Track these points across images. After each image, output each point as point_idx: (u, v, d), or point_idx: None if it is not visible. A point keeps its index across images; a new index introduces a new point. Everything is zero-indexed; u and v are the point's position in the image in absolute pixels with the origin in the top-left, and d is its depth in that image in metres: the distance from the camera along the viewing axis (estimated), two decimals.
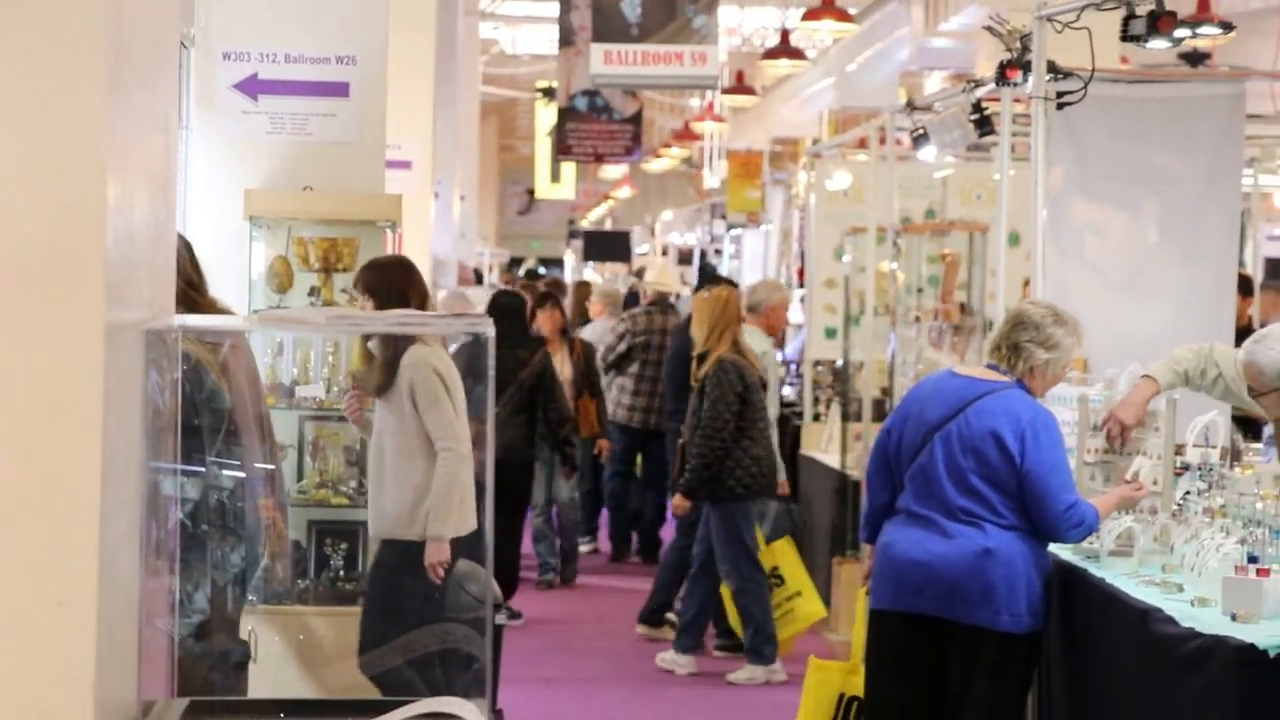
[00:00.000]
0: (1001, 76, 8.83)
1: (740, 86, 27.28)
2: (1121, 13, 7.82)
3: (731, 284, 13.25)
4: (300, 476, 8.27)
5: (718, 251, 30.88)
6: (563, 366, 13.38)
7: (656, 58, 16.85)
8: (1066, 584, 6.60)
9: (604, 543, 15.64)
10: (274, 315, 7.96)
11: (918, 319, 12.56)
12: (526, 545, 13.20)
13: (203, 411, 5.98)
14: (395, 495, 7.32)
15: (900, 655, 6.72)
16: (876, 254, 13.05)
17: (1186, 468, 7.07)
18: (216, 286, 6.88)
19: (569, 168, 39.24)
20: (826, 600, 11.57)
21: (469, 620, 6.72)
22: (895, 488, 6.82)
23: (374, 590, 7.51)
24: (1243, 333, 8.65)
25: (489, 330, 5.67)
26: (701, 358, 10.74)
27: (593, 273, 36.23)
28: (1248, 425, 8.77)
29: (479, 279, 25.99)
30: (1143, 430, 7.04)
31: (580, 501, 15.84)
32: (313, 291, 8.53)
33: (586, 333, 15.74)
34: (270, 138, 8.83)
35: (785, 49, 22.26)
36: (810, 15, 19.72)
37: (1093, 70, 8.24)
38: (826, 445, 13.52)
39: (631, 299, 20.35)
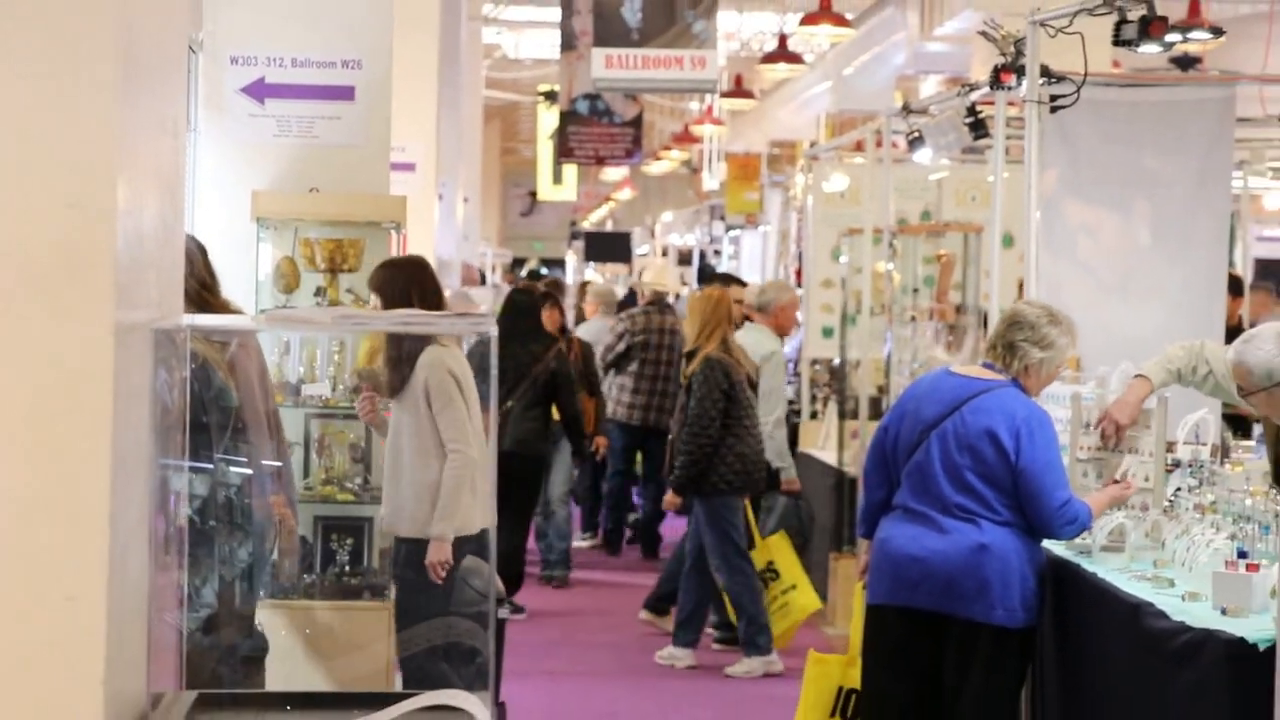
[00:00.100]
0: (996, 80, 8.83)
1: (739, 90, 27.28)
2: (1114, 18, 7.81)
3: (741, 283, 13.29)
4: (306, 473, 8.26)
5: (716, 252, 30.86)
6: None
7: (656, 62, 16.87)
8: (1059, 579, 6.60)
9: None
10: (281, 315, 7.96)
11: (913, 319, 12.56)
12: (529, 542, 13.21)
13: (210, 409, 5.98)
14: (413, 495, 7.32)
15: (897, 649, 6.72)
16: (873, 255, 13.05)
17: (1177, 465, 7.07)
18: (225, 287, 6.89)
19: (570, 170, 39.24)
20: (824, 595, 11.57)
21: (472, 614, 6.73)
22: (892, 484, 6.83)
23: (404, 589, 7.48)
24: (1233, 332, 8.65)
25: (492, 329, 5.67)
26: (691, 355, 10.77)
27: (594, 273, 36.23)
28: (1238, 423, 8.77)
29: (482, 279, 25.98)
30: (1136, 429, 7.04)
31: (582, 495, 15.89)
32: (319, 292, 8.53)
33: (581, 332, 15.73)
34: (277, 140, 8.83)
35: (783, 53, 22.26)
36: (808, 20, 19.71)
37: (1085, 74, 8.24)
38: (824, 443, 13.52)
39: (630, 299, 20.35)
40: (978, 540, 6.51)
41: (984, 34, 8.96)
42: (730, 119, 32.07)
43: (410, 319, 6.97)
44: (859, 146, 14.31)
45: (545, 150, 37.68)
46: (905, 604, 6.65)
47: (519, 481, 11.91)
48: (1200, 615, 5.54)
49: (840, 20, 19.56)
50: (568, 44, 20.85)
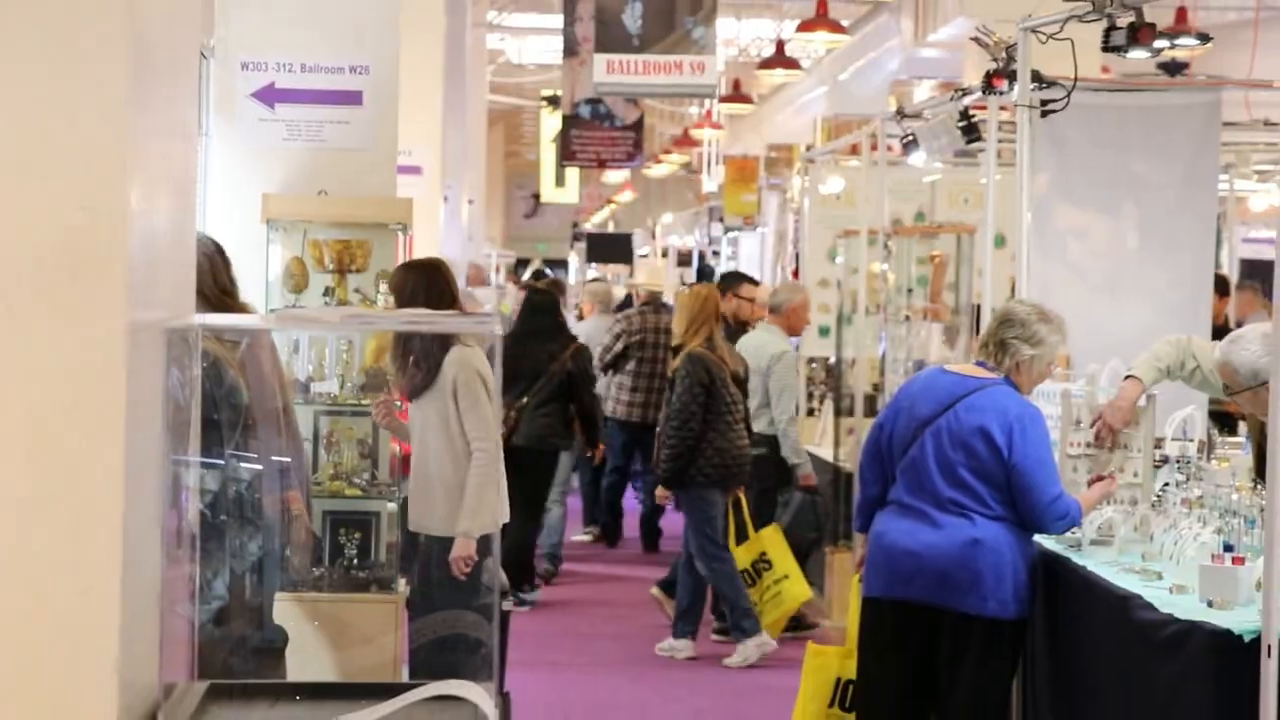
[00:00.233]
0: (988, 85, 8.83)
1: (737, 95, 27.27)
2: (1103, 24, 7.81)
3: (754, 282, 13.29)
4: (315, 469, 8.26)
5: (715, 253, 30.82)
6: None
7: (657, 67, 16.84)
8: (1050, 572, 6.60)
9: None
10: (290, 314, 7.98)
11: (908, 318, 12.56)
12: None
13: (222, 406, 5.98)
14: (441, 493, 7.30)
15: (892, 641, 6.72)
16: (868, 255, 13.04)
17: (1165, 460, 7.08)
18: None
19: (573, 173, 39.18)
20: (821, 588, 11.57)
21: (477, 607, 6.73)
22: (887, 480, 6.82)
23: (433, 586, 7.45)
24: (1219, 331, 8.66)
25: (497, 328, 5.67)
26: (678, 351, 10.82)
27: (595, 274, 36.22)
28: (1224, 421, 8.77)
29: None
30: (1129, 427, 7.04)
31: (584, 491, 15.91)
32: (327, 291, 8.54)
33: (578, 331, 15.73)
34: (287, 144, 8.84)
35: (780, 59, 22.25)
36: (804, 27, 19.72)
37: (1075, 79, 8.23)
38: (820, 439, 13.52)
39: (626, 301, 20.33)
40: (971, 535, 6.51)
41: (976, 40, 8.97)
42: (729, 123, 32.08)
43: (415, 318, 6.97)
44: (854, 150, 14.30)
45: (548, 153, 37.65)
46: (900, 597, 6.65)
47: (529, 476, 11.93)
48: (1187, 607, 5.54)
49: (836, 27, 19.57)
50: (570, 50, 20.81)
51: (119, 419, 3.96)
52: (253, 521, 6.23)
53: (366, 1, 8.94)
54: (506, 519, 7.54)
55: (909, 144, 11.38)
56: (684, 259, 33.01)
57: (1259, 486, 6.13)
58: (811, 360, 14.92)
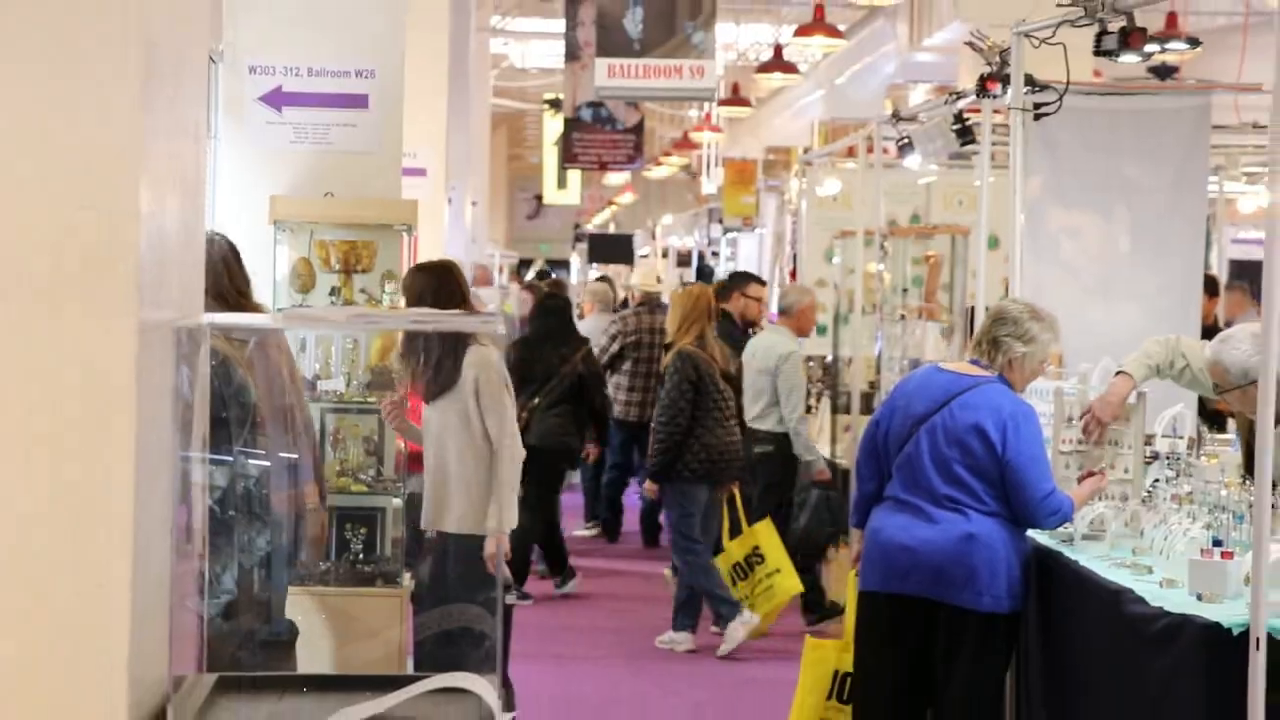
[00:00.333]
0: (982, 89, 8.83)
1: (736, 98, 27.27)
2: (1095, 29, 7.81)
3: (761, 282, 13.32)
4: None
5: (715, 254, 30.84)
6: None
7: (657, 71, 16.85)
8: (1043, 567, 6.60)
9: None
10: (297, 314, 7.97)
11: (903, 317, 12.57)
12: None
13: (230, 404, 5.98)
14: (462, 493, 7.27)
15: (888, 634, 6.72)
16: (864, 256, 13.05)
17: (1156, 457, 7.08)
18: None
19: (575, 175, 39.19)
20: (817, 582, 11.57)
21: (481, 601, 6.73)
22: (883, 476, 6.82)
23: (450, 584, 7.43)
24: (1208, 330, 8.66)
25: (500, 328, 5.67)
26: (669, 348, 10.88)
27: (601, 273, 36.23)
28: (1214, 418, 8.77)
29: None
30: (1119, 423, 7.04)
31: (585, 487, 15.92)
32: (333, 291, 8.54)
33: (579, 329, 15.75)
34: (294, 147, 8.84)
35: (778, 63, 22.27)
36: (801, 31, 19.73)
37: (1067, 83, 8.24)
38: (817, 436, 13.51)
39: (625, 303, 20.34)
40: (966, 530, 6.51)
41: (970, 44, 8.97)
42: (728, 126, 32.08)
43: (420, 318, 6.96)
44: (851, 152, 14.30)
45: (550, 156, 37.66)
46: (896, 591, 6.64)
47: (541, 475, 11.98)
48: (1177, 601, 5.54)
49: (833, 31, 19.57)
50: (572, 54, 20.82)
51: (130, 417, 3.96)
52: (261, 517, 6.23)
53: (372, 7, 8.94)
54: (514, 524, 7.54)
55: (904, 147, 11.38)
56: (684, 259, 33.03)
57: (1247, 482, 6.13)
58: (809, 359, 14.91)
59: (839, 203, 15.72)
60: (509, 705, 4.43)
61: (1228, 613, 5.31)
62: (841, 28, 20.83)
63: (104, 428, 3.94)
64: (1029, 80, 8.42)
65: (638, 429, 14.55)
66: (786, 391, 11.41)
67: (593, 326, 15.86)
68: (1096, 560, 6.31)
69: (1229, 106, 12.12)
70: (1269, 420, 5.16)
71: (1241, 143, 12.35)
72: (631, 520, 15.55)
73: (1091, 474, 6.92)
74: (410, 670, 7.25)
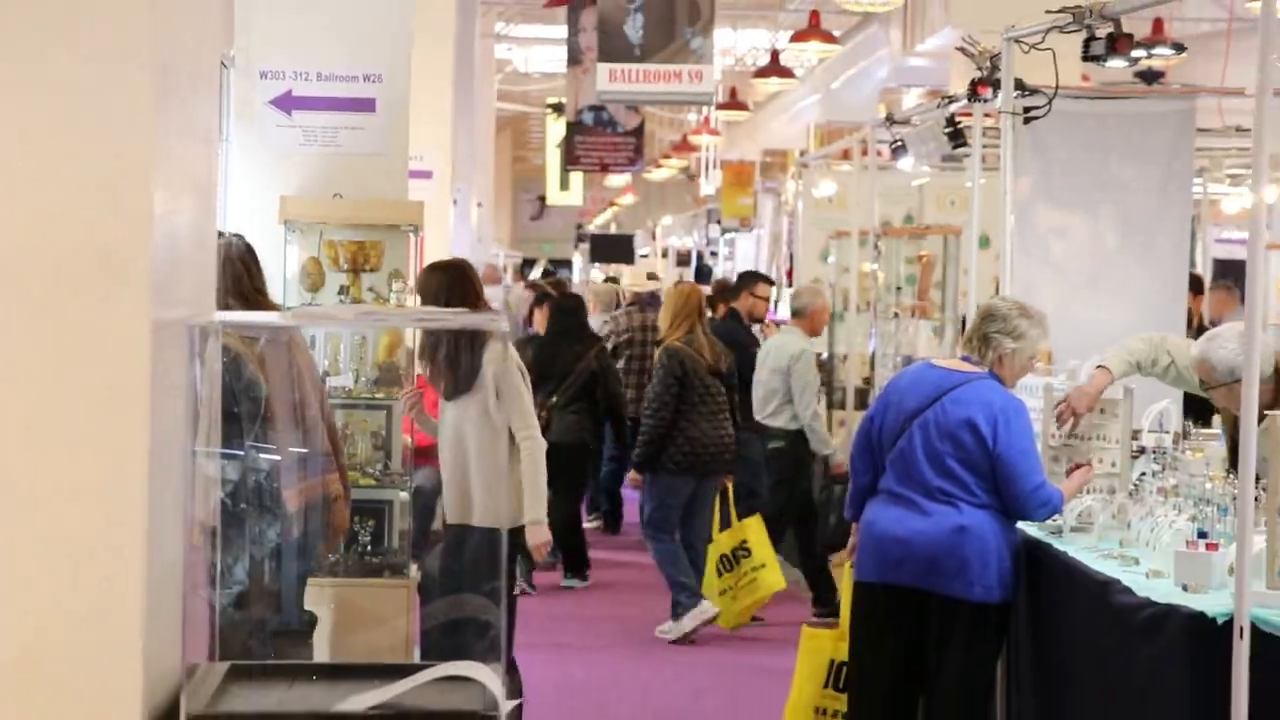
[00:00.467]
0: (973, 93, 8.82)
1: (734, 102, 27.28)
2: (1083, 35, 7.81)
3: (769, 281, 13.33)
4: None
5: (713, 254, 30.85)
6: None
7: (657, 76, 16.85)
8: (1033, 558, 6.59)
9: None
10: (307, 312, 7.97)
11: (896, 315, 12.57)
12: None
13: (241, 400, 5.98)
14: (482, 485, 7.25)
15: (883, 624, 6.71)
16: (859, 255, 13.06)
17: (1142, 451, 7.08)
18: None
19: (577, 177, 39.15)
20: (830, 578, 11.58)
21: (486, 592, 6.71)
22: (877, 470, 6.81)
23: (465, 577, 7.41)
24: (1195, 328, 8.67)
25: (504, 325, 5.67)
26: (660, 344, 10.96)
27: (598, 273, 36.24)
28: (1199, 412, 8.75)
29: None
30: (1104, 417, 7.04)
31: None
32: (342, 290, 8.54)
33: None
34: (303, 149, 8.84)
35: (775, 68, 22.27)
36: (798, 37, 19.74)
37: (1057, 87, 8.23)
38: None
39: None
40: (957, 522, 6.51)
41: (962, 50, 8.97)
42: (726, 129, 32.07)
43: (426, 316, 6.95)
44: (846, 155, 14.31)
45: (553, 158, 37.62)
46: (890, 581, 6.64)
47: (565, 469, 12.07)
48: (1163, 591, 5.54)
49: (828, 37, 19.58)
50: (574, 59, 20.81)
51: (144, 412, 3.96)
52: (271, 510, 6.22)
53: (380, 13, 8.94)
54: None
55: (898, 149, 11.38)
56: (683, 259, 33.04)
57: (1231, 476, 6.13)
58: None
59: (834, 204, 15.72)
60: (515, 693, 4.42)
61: (1212, 602, 5.31)
62: (836, 34, 20.83)
63: (118, 422, 3.95)
64: (1019, 85, 8.42)
65: (634, 423, 14.58)
66: (800, 389, 11.41)
67: (594, 325, 15.87)
68: (1085, 551, 6.30)
69: (1213, 110, 12.11)
70: (1252, 415, 5.17)
71: (1225, 145, 12.35)
72: (631, 512, 15.54)
73: (1079, 466, 6.92)
74: (417, 659, 7.24)
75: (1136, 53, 7.91)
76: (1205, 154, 12.31)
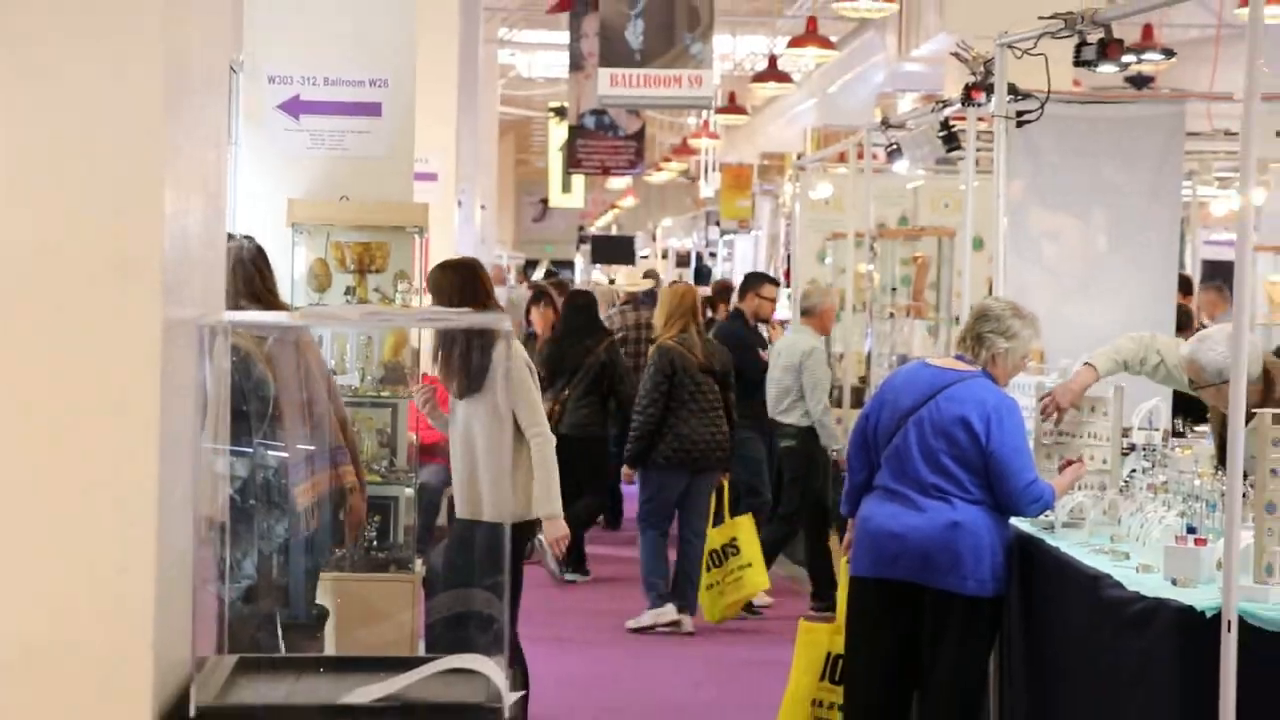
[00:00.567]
0: (967, 97, 8.83)
1: (732, 106, 27.27)
2: (1074, 40, 7.81)
3: (774, 282, 13.34)
4: None
5: (712, 255, 30.84)
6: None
7: (657, 80, 16.86)
8: (1025, 553, 6.59)
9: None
10: (314, 311, 7.98)
11: (892, 315, 12.57)
12: None
13: (250, 398, 5.97)
14: (491, 483, 7.24)
15: (878, 617, 6.71)
16: (855, 256, 13.06)
17: (1133, 448, 7.08)
18: None
19: (579, 180, 39.12)
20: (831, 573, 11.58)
21: (492, 586, 6.71)
22: (873, 467, 6.81)
23: (472, 571, 7.39)
24: (1183, 327, 8.67)
25: (507, 324, 5.67)
26: (653, 341, 11.02)
27: (600, 274, 36.25)
28: (1190, 409, 8.75)
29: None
30: (1093, 415, 7.04)
31: None
32: (349, 290, 8.55)
33: None
34: (311, 152, 8.85)
35: (773, 73, 22.26)
36: (795, 43, 19.72)
37: (1049, 92, 8.23)
38: None
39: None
40: (951, 518, 6.50)
41: (956, 55, 8.97)
42: (724, 133, 32.08)
43: (430, 315, 6.95)
44: (842, 158, 14.29)
45: (555, 161, 37.60)
46: (885, 576, 6.64)
47: (581, 460, 12.21)
48: (1153, 585, 5.54)
49: (825, 43, 19.57)
50: (576, 64, 20.82)
51: (155, 410, 3.97)
52: (280, 505, 6.22)
53: (385, 20, 8.95)
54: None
55: (893, 152, 11.38)
56: (683, 260, 33.04)
57: (1219, 473, 6.13)
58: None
59: (831, 206, 15.71)
60: (520, 685, 4.42)
61: (1201, 597, 5.31)
62: (833, 39, 20.82)
63: (131, 420, 3.95)
64: (1012, 89, 8.42)
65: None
66: (810, 386, 11.41)
67: None
68: (1076, 547, 6.30)
69: (1202, 114, 12.11)
70: (1240, 414, 5.17)
71: (1214, 149, 12.35)
72: (632, 508, 15.53)
73: (1070, 463, 6.92)
74: (422, 652, 7.24)
75: (1127, 58, 7.92)
76: (1194, 157, 12.30)
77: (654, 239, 40.18)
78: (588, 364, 12.56)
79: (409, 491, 8.38)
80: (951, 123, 9.77)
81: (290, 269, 8.40)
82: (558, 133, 33.78)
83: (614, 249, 38.98)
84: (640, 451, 10.83)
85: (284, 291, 8.12)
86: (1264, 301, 12.23)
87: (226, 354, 4.73)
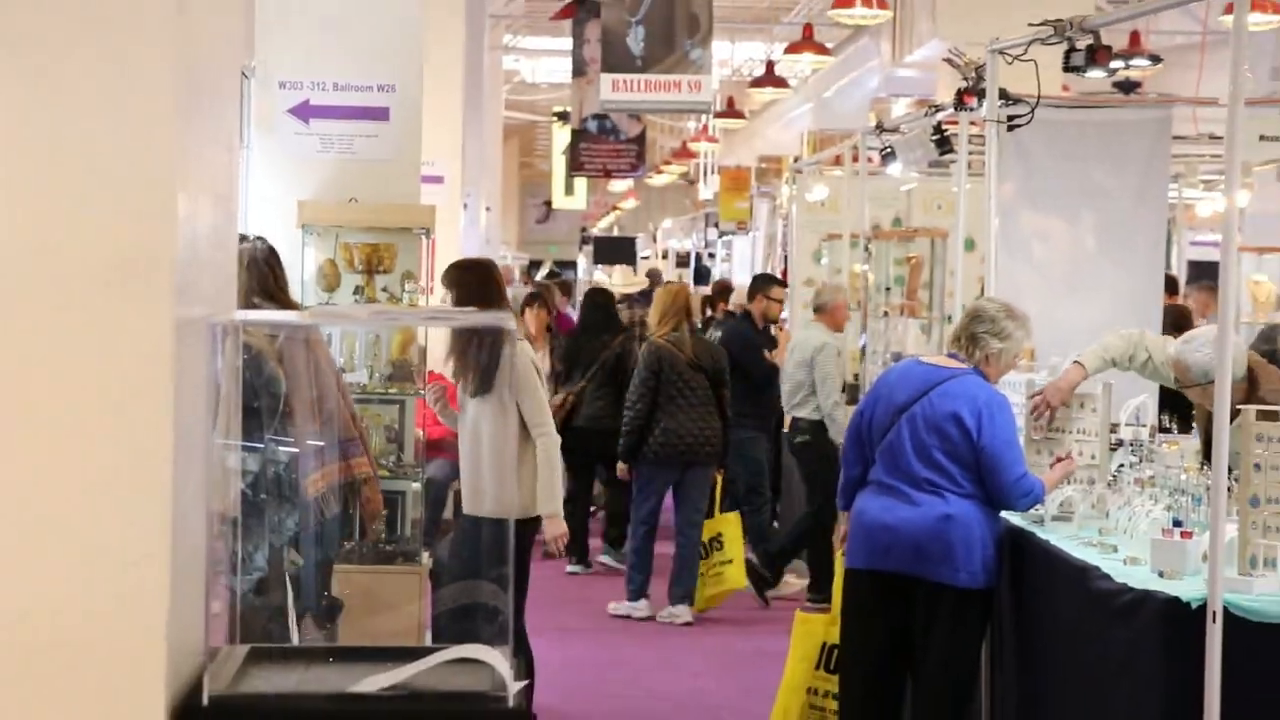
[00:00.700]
0: (959, 102, 8.82)
1: (731, 111, 27.29)
2: (1064, 47, 7.81)
3: (781, 283, 13.35)
4: None
5: (711, 255, 30.84)
6: (544, 362, 13.45)
7: (658, 86, 16.86)
8: (1016, 546, 6.59)
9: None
10: (323, 311, 7.98)
11: (886, 314, 12.57)
12: None
13: (261, 395, 5.97)
14: (496, 480, 7.23)
15: (872, 608, 6.70)
16: (850, 257, 13.06)
17: (1120, 444, 7.08)
18: None
19: (581, 182, 39.11)
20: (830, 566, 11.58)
21: (496, 578, 6.71)
22: (867, 462, 6.81)
23: (477, 565, 7.37)
24: (1170, 326, 8.66)
25: (511, 323, 5.66)
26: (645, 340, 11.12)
27: (601, 274, 36.25)
28: (1176, 405, 8.75)
29: None
30: (1082, 411, 7.04)
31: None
32: (357, 290, 8.56)
33: None
34: (320, 156, 8.85)
35: (770, 78, 22.28)
36: (792, 49, 19.74)
37: (1039, 97, 8.23)
38: None
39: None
40: (943, 511, 6.50)
41: (949, 61, 8.97)
42: (723, 136, 32.09)
43: (436, 314, 6.95)
44: (838, 161, 14.29)
45: (559, 164, 37.59)
46: (879, 568, 6.63)
47: (591, 451, 12.30)
48: (1140, 577, 5.54)
49: (821, 49, 19.59)
50: (578, 70, 20.79)
51: (168, 406, 3.97)
52: (290, 499, 6.22)
53: (393, 26, 8.95)
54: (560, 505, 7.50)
55: (887, 155, 11.38)
56: (682, 260, 33.04)
57: (1205, 468, 6.13)
58: None
59: (827, 207, 15.72)
60: (524, 674, 4.42)
61: (1187, 588, 5.31)
62: (829, 45, 20.83)
63: (144, 416, 3.95)
64: (1003, 94, 8.42)
65: None
66: (821, 380, 11.42)
67: None
68: (1065, 540, 6.30)
69: (1188, 119, 12.10)
70: (1225, 411, 5.17)
71: (1199, 152, 12.35)
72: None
73: (1061, 459, 6.92)
74: (429, 642, 7.24)
75: (1115, 64, 7.91)
76: (1180, 160, 12.29)
77: (654, 240, 40.18)
78: (603, 358, 12.66)
79: (416, 486, 8.38)
80: (944, 127, 9.77)
81: (300, 269, 8.40)
82: (561, 136, 33.78)
83: (616, 250, 38.99)
84: (632, 446, 10.86)
85: (294, 291, 8.13)
86: (1248, 300, 12.23)
87: (237, 352, 4.72)
